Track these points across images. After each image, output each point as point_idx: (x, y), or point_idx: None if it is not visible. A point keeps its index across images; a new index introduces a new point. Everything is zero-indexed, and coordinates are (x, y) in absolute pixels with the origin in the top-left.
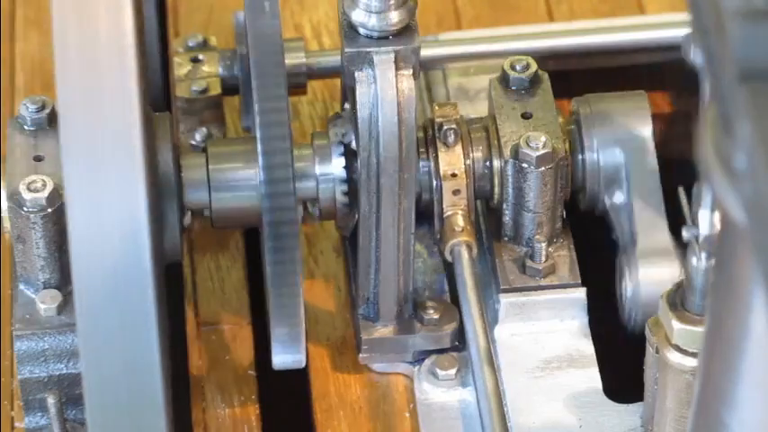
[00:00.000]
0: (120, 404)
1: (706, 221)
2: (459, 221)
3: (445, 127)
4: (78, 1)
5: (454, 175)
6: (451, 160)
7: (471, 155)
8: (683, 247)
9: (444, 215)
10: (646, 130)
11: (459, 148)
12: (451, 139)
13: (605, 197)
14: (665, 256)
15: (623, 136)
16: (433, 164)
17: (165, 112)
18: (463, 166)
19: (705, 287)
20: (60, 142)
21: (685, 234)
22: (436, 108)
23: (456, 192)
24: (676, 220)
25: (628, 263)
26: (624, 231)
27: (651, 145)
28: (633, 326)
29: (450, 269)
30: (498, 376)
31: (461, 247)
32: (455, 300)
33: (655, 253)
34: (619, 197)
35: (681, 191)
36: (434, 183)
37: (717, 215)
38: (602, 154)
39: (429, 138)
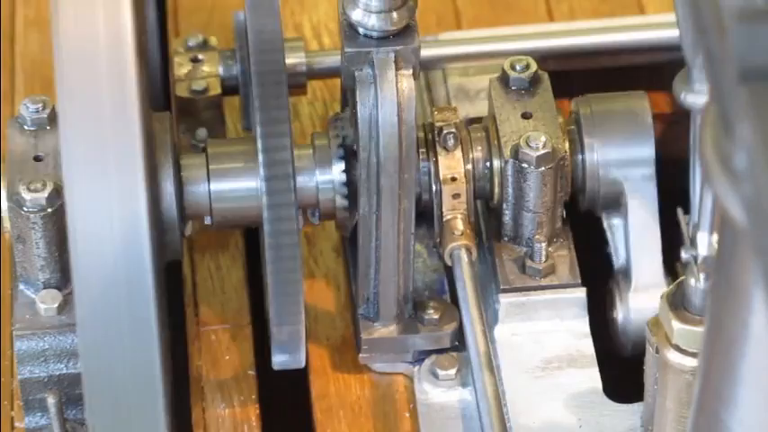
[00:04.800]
0: (120, 404)
1: (704, 243)
2: (459, 225)
3: (445, 131)
4: (78, 1)
5: (454, 179)
6: (451, 164)
7: (471, 158)
8: (673, 274)
9: (444, 219)
10: (646, 130)
11: (458, 152)
12: (451, 143)
13: (603, 215)
14: (658, 288)
15: (623, 136)
16: (432, 167)
17: (164, 112)
18: (463, 170)
19: (704, 306)
20: (60, 142)
21: (684, 255)
22: (435, 112)
23: (456, 195)
24: (672, 225)
25: (620, 292)
26: (619, 254)
27: (652, 146)
28: (624, 352)
29: (450, 272)
30: (498, 376)
31: (461, 251)
32: (455, 300)
33: (647, 286)
34: (616, 219)
35: (680, 212)
36: (434, 186)
37: (715, 237)
38: (601, 154)
39: (429, 141)
